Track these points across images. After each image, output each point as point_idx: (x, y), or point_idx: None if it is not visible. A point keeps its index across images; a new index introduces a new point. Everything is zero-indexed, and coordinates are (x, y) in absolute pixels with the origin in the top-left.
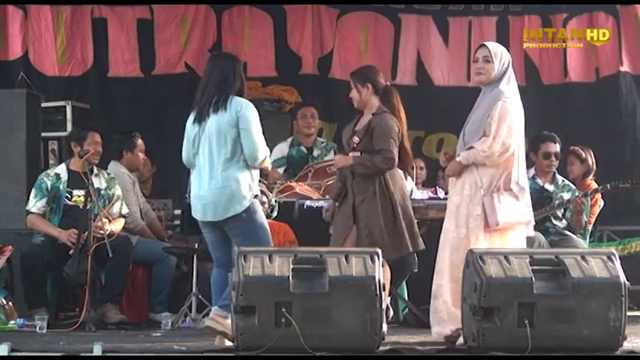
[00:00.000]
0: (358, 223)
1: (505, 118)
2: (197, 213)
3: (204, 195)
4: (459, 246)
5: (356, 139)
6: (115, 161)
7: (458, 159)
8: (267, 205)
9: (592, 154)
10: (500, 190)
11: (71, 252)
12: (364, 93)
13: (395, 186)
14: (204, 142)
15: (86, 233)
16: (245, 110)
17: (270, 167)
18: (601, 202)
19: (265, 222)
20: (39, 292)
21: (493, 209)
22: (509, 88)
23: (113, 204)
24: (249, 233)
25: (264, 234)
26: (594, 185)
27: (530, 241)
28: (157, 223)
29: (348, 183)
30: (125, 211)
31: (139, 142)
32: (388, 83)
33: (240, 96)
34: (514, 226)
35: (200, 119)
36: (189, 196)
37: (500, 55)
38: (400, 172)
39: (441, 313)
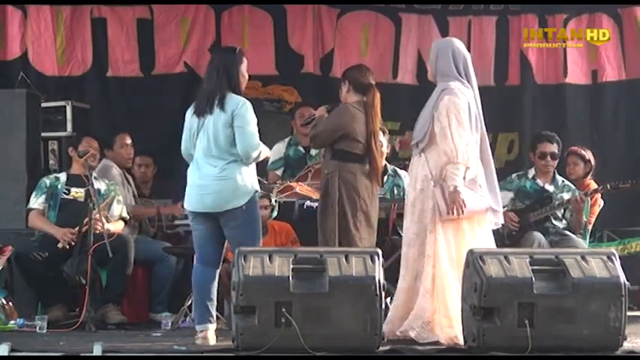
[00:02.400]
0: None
1: (452, 111)
2: (192, 203)
3: (206, 184)
4: (415, 242)
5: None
6: (104, 159)
7: (450, 189)
8: (269, 210)
9: (592, 153)
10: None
11: (59, 245)
12: (344, 90)
13: (339, 180)
14: (203, 135)
15: (85, 229)
16: (241, 109)
17: (269, 154)
18: (601, 202)
19: (259, 216)
20: (46, 291)
21: (442, 199)
22: (456, 82)
23: (111, 204)
24: (246, 226)
25: (259, 228)
26: (594, 185)
27: (530, 241)
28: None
29: None
30: (125, 214)
31: (121, 137)
32: (373, 82)
33: (237, 92)
34: (471, 215)
35: (200, 113)
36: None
37: (433, 50)
38: (356, 166)
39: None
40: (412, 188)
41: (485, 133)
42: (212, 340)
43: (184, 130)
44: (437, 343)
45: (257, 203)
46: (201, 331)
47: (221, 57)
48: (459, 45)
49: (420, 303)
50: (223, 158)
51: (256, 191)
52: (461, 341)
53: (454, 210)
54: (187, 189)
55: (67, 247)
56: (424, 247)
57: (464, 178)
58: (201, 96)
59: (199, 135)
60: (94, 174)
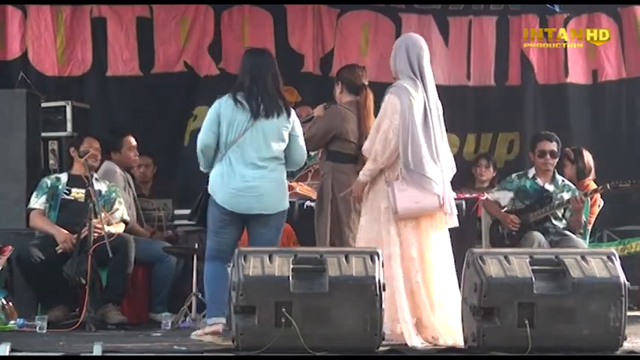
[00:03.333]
0: None
1: (387, 113)
2: (238, 207)
3: (256, 186)
4: (374, 242)
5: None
6: (107, 160)
7: (358, 179)
8: None
9: (588, 154)
10: (399, 179)
11: (58, 249)
12: (337, 90)
13: (333, 181)
14: (257, 135)
15: (85, 230)
16: (296, 118)
17: None
18: (600, 202)
19: None
20: (46, 291)
21: (394, 198)
22: (407, 80)
23: (114, 206)
24: (281, 228)
25: None
26: (593, 186)
27: (530, 241)
28: (137, 226)
29: None
30: (127, 217)
31: (128, 140)
32: (366, 82)
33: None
34: (432, 214)
35: (254, 113)
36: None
37: (393, 48)
38: (349, 166)
39: None
40: (368, 188)
41: (444, 131)
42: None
43: (209, 122)
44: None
45: None
46: (213, 325)
47: (265, 59)
48: (415, 41)
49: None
50: (273, 160)
51: None
52: (408, 338)
53: (352, 195)
54: (225, 192)
55: (65, 250)
56: (386, 248)
57: (419, 174)
58: (254, 96)
59: (246, 135)
60: (95, 175)
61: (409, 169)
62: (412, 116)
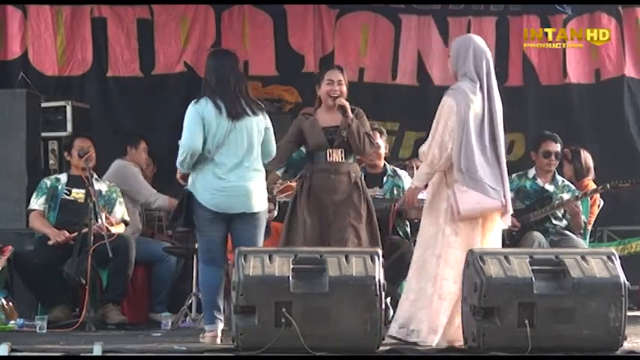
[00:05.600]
0: None
1: (443, 115)
2: (221, 206)
3: (238, 186)
4: (431, 244)
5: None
6: (119, 159)
7: (412, 185)
8: (274, 213)
9: (587, 154)
10: (458, 181)
11: (50, 242)
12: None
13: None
14: (239, 137)
15: (85, 230)
16: (267, 116)
17: None
18: (600, 202)
19: None
20: (46, 292)
21: (455, 200)
22: (467, 82)
23: (115, 206)
24: (261, 229)
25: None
26: (592, 186)
27: (530, 241)
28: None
29: None
30: (127, 217)
31: (143, 142)
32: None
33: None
34: (487, 215)
35: (235, 116)
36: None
37: (453, 48)
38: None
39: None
40: (428, 190)
41: (502, 134)
42: (219, 340)
43: (195, 126)
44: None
45: None
46: (211, 331)
47: (231, 61)
48: (481, 43)
49: (428, 306)
50: (254, 160)
51: None
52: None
53: (405, 203)
54: (211, 191)
55: (57, 243)
56: (437, 248)
57: (474, 179)
58: (227, 98)
59: (230, 137)
60: (95, 175)
61: (462, 171)
62: (468, 119)
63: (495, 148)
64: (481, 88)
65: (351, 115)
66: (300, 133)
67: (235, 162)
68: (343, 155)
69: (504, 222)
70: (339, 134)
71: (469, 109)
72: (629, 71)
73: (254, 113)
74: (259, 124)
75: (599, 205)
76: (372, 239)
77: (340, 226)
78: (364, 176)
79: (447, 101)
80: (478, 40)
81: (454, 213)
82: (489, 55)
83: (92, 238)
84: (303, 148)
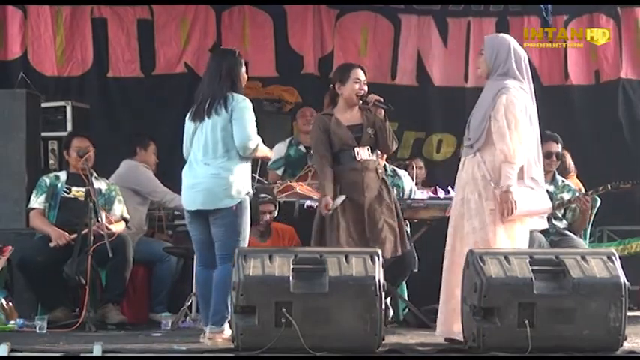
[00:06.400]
0: None
1: (511, 111)
2: (186, 203)
3: (198, 182)
4: (470, 239)
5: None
6: (127, 159)
7: (503, 189)
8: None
9: (567, 154)
10: (518, 180)
11: (52, 243)
12: (325, 101)
13: None
14: (200, 135)
15: (85, 230)
16: (240, 103)
17: (269, 155)
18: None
19: (248, 224)
20: (46, 292)
21: (512, 200)
22: (513, 81)
23: (114, 205)
24: (234, 228)
25: (246, 232)
26: (577, 182)
27: (530, 241)
28: None
29: None
30: (127, 215)
31: (153, 144)
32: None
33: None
34: (533, 215)
35: (197, 116)
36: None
37: (491, 46)
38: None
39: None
40: (462, 189)
41: (539, 134)
42: (226, 339)
43: (184, 134)
44: (437, 343)
45: (247, 210)
46: (209, 333)
47: (223, 60)
48: (516, 43)
49: None
50: (218, 157)
51: (247, 194)
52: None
53: (504, 211)
54: (182, 190)
55: (58, 245)
56: (482, 244)
57: (530, 178)
58: (202, 98)
59: (196, 136)
60: (94, 174)
61: (530, 177)
62: (524, 116)
63: (538, 148)
64: (529, 87)
65: (384, 108)
66: (328, 134)
67: (199, 160)
68: (370, 153)
69: (542, 224)
70: (365, 132)
71: (525, 107)
72: (627, 72)
73: (225, 109)
74: (225, 117)
75: (595, 206)
76: (403, 236)
77: (376, 224)
78: None
79: (508, 98)
80: (512, 39)
81: (505, 213)
82: (525, 56)
83: (92, 238)
84: (302, 147)
